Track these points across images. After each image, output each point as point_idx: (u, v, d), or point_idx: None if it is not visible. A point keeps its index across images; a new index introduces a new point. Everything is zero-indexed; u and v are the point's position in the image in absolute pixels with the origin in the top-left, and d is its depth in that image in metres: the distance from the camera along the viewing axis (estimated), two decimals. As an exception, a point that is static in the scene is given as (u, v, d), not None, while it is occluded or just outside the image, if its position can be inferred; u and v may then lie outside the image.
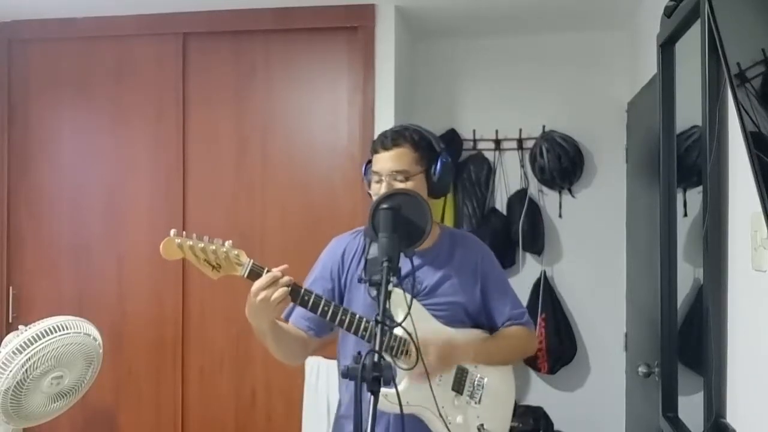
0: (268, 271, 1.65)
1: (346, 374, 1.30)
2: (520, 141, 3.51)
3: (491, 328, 1.94)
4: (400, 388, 1.41)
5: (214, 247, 1.64)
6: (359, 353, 1.33)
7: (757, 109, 1.16)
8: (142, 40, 3.25)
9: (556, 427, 3.31)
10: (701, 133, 1.73)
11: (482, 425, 1.84)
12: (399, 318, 1.61)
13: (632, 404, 3.20)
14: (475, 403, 1.85)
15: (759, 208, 1.14)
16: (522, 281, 3.47)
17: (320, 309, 1.70)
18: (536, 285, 3.48)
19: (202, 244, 1.65)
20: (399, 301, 1.68)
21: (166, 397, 3.23)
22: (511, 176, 3.55)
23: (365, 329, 1.71)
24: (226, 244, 1.67)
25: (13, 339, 2.08)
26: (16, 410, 2.10)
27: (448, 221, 3.47)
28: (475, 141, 3.56)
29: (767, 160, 1.11)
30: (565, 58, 3.50)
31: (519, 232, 3.41)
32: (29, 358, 2.05)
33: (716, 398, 1.64)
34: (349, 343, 1.86)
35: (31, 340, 2.07)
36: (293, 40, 3.17)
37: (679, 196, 2.16)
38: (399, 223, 1.59)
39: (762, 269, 1.44)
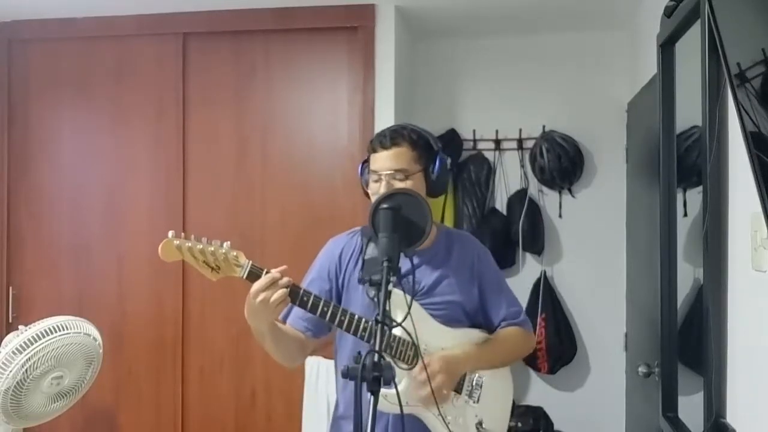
0: (266, 272, 1.65)
1: (346, 374, 1.30)
2: (520, 141, 3.51)
3: (488, 326, 1.95)
4: (399, 388, 1.41)
5: (212, 249, 1.64)
6: (359, 353, 1.33)
7: (757, 109, 1.16)
8: (142, 40, 3.25)
9: (556, 427, 3.31)
10: (701, 133, 1.72)
11: (481, 424, 1.84)
12: (398, 318, 1.61)
13: (632, 404, 3.20)
14: (474, 402, 1.85)
15: (759, 208, 1.14)
16: (522, 281, 3.48)
17: (319, 310, 1.69)
18: (536, 285, 3.48)
19: (200, 246, 1.64)
20: (398, 301, 1.68)
21: (166, 397, 3.23)
22: (511, 176, 3.55)
23: (364, 329, 1.71)
24: (225, 245, 1.66)
25: (13, 339, 2.08)
26: (16, 410, 2.10)
27: (448, 221, 3.47)
28: (475, 141, 3.56)
29: (767, 160, 1.11)
30: (565, 58, 3.50)
31: (519, 232, 3.41)
32: (29, 358, 2.05)
33: (716, 398, 1.64)
34: (348, 344, 1.86)
35: (31, 340, 2.07)
36: (293, 40, 3.17)
37: (679, 196, 2.16)
38: (399, 223, 1.59)
39: (762, 269, 1.44)
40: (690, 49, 1.87)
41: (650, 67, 2.42)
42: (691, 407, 1.95)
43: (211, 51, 3.23)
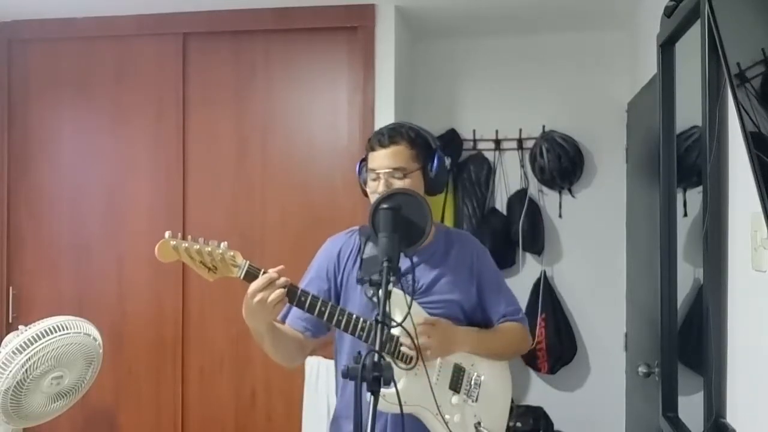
0: (264, 273, 1.64)
1: (345, 374, 1.30)
2: (520, 141, 3.51)
3: (486, 325, 1.95)
4: (398, 387, 1.41)
5: (209, 249, 1.63)
6: (359, 353, 1.33)
7: (757, 109, 1.16)
8: (142, 40, 3.25)
9: (556, 427, 3.31)
10: (701, 133, 1.72)
11: (479, 423, 1.84)
12: (396, 317, 1.61)
13: (632, 404, 3.20)
14: (473, 401, 1.85)
15: (759, 208, 1.14)
16: (522, 281, 3.47)
17: (317, 310, 1.69)
18: (536, 285, 3.48)
19: (197, 246, 1.63)
20: (397, 300, 1.67)
21: (166, 397, 3.23)
22: (511, 176, 3.55)
23: (362, 329, 1.71)
24: (222, 245, 1.65)
25: (13, 339, 2.09)
26: (16, 410, 2.10)
27: (448, 221, 3.47)
28: (475, 141, 3.56)
29: (767, 160, 1.11)
30: (565, 58, 3.50)
31: (519, 232, 3.41)
32: (29, 358, 2.05)
33: (716, 398, 1.64)
34: (346, 344, 1.86)
35: (31, 340, 2.07)
36: (293, 40, 3.17)
37: (679, 196, 2.16)
38: (399, 223, 1.59)
39: (762, 269, 1.44)
40: (690, 49, 1.87)
41: (650, 67, 2.42)
42: (691, 407, 1.95)
43: (211, 51, 3.23)
